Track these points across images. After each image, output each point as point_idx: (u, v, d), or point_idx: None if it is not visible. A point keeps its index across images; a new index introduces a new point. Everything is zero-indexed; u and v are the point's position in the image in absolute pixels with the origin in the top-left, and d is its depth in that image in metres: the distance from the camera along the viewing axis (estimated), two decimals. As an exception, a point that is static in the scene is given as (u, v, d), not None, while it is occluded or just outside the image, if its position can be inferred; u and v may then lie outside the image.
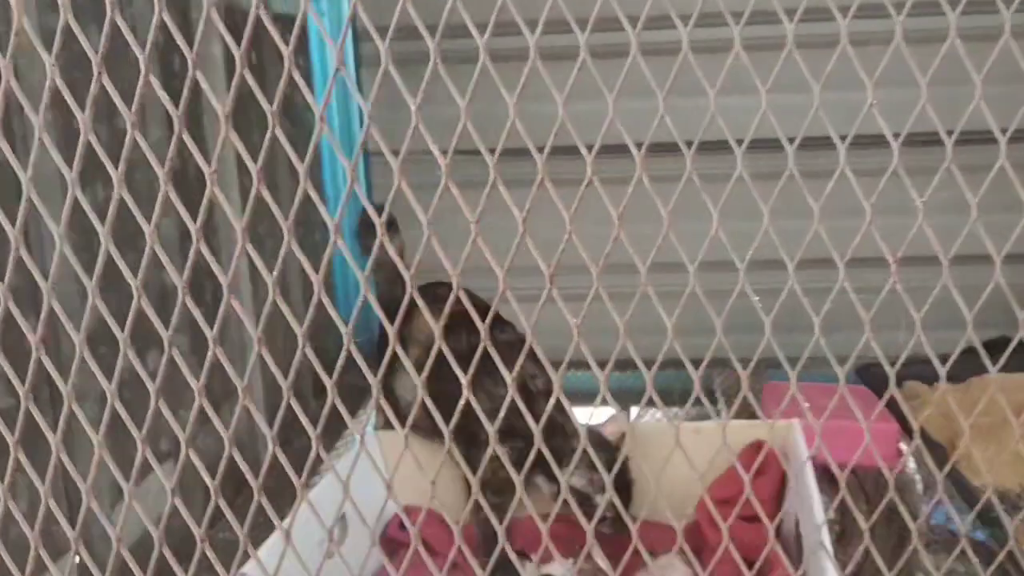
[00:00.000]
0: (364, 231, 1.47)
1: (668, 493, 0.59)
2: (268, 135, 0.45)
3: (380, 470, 0.51)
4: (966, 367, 0.60)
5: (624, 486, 1.23)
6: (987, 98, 0.54)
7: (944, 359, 0.60)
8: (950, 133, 0.54)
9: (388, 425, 1.38)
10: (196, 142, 0.46)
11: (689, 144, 0.51)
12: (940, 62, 0.52)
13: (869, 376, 1.66)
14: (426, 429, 0.51)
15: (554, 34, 0.51)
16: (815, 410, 1.15)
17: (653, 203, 0.52)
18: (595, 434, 1.23)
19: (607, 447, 1.23)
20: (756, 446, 1.31)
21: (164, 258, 0.46)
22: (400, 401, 1.32)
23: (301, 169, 0.46)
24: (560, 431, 1.15)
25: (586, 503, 1.20)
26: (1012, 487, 1.34)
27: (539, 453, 0.51)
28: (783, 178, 0.53)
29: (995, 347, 0.61)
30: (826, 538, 0.89)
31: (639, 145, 0.49)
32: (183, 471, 0.49)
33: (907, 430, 1.45)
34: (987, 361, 0.60)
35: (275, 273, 0.47)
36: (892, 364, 0.60)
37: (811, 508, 1.07)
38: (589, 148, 0.48)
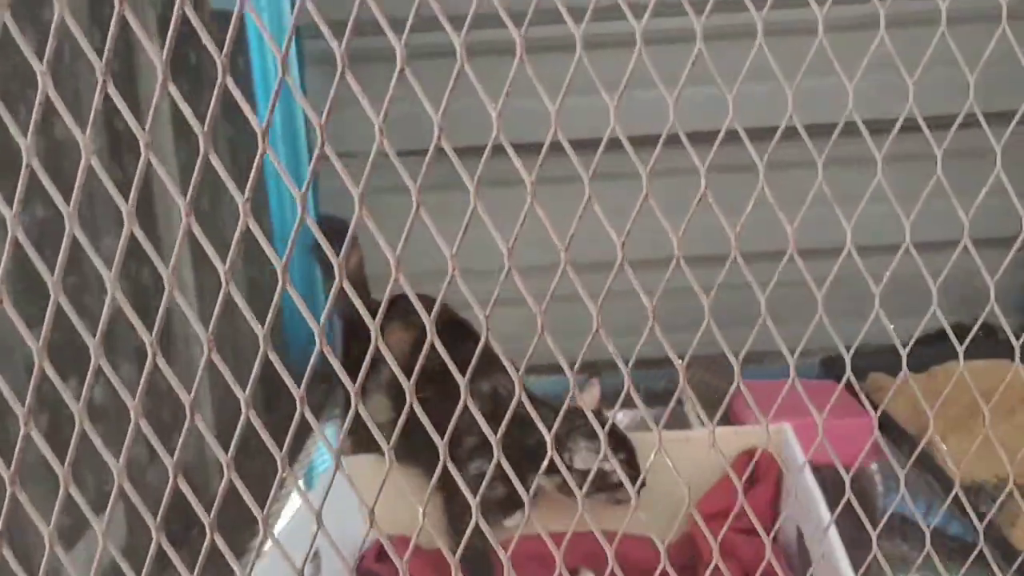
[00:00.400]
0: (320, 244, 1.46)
1: (658, 507, 0.58)
2: (200, 159, 0.43)
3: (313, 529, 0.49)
4: (928, 355, 0.61)
5: (623, 441, 1.23)
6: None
7: (904, 348, 0.61)
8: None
9: (355, 449, 1.36)
10: (136, 153, 0.44)
11: (656, 139, 0.51)
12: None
13: (836, 369, 1.68)
14: (398, 453, 0.50)
15: (495, 28, 0.50)
16: (785, 407, 1.15)
17: (612, 200, 0.52)
18: (576, 408, 1.22)
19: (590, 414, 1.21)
20: (750, 453, 1.30)
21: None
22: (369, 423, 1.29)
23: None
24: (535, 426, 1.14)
25: (598, 479, 1.18)
26: (988, 478, 1.34)
27: (530, 455, 0.49)
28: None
29: (954, 334, 0.63)
30: (839, 547, 0.89)
31: (598, 141, 0.49)
32: (133, 506, 0.47)
33: (880, 424, 1.48)
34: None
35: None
36: (856, 355, 0.61)
37: (815, 515, 1.07)
38: (540, 147, 0.47)
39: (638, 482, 0.53)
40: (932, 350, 0.63)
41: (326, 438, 0.50)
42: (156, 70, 0.42)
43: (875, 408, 1.67)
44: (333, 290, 0.46)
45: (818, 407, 0.65)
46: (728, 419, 1.67)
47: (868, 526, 0.61)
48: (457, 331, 0.46)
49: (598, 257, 0.55)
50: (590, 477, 0.62)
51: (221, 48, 0.43)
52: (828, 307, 0.57)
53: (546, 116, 0.45)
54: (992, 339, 0.64)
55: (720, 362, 0.55)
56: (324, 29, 0.43)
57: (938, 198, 0.59)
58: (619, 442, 1.23)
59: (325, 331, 0.46)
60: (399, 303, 0.46)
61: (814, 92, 0.55)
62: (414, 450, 0.50)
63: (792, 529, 1.21)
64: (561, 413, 0.58)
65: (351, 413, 0.48)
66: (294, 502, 1.47)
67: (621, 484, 1.18)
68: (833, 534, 0.97)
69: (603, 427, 0.49)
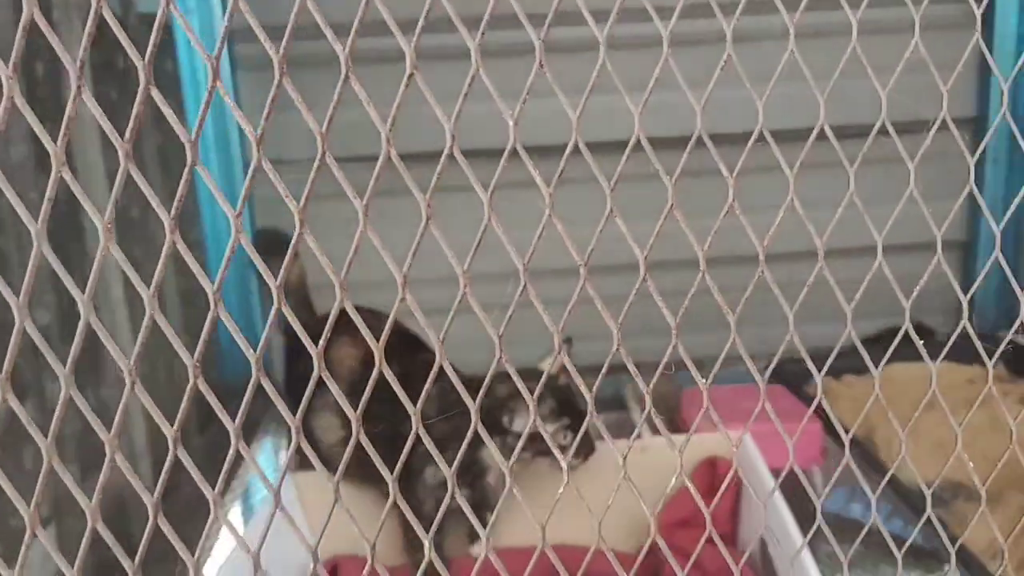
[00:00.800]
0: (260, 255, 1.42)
1: (619, 518, 0.57)
2: (121, 172, 0.42)
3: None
4: (872, 358, 0.63)
5: (568, 406, 1.21)
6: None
7: (844, 352, 0.62)
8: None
9: (303, 466, 1.33)
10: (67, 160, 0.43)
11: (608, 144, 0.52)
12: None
13: (782, 373, 1.72)
14: (351, 471, 0.49)
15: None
16: (738, 414, 1.16)
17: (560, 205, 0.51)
18: (532, 370, 1.20)
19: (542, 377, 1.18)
20: (710, 462, 1.33)
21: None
22: (320, 444, 1.28)
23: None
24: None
25: (539, 443, 1.15)
26: (935, 479, 1.37)
27: (475, 436, 0.49)
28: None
29: (889, 337, 0.64)
30: (809, 559, 0.90)
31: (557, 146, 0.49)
32: (65, 533, 0.45)
33: (826, 427, 1.51)
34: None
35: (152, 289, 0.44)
36: (801, 359, 0.62)
37: (782, 525, 1.08)
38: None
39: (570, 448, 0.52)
40: (873, 352, 0.65)
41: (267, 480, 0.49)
42: (87, 77, 0.41)
43: (820, 411, 1.70)
44: (271, 313, 0.45)
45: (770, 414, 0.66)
46: (677, 426, 1.69)
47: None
48: (408, 343, 0.46)
49: (553, 263, 0.55)
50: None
51: (150, 53, 0.42)
52: (775, 312, 0.58)
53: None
54: (929, 341, 0.66)
55: (667, 368, 0.55)
56: (260, 34, 0.42)
57: (880, 204, 0.61)
58: (564, 407, 1.21)
59: (263, 350, 0.45)
60: (347, 317, 0.46)
61: (775, 97, 0.56)
62: (367, 467, 0.49)
63: (756, 537, 1.22)
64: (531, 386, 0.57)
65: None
66: (234, 524, 1.44)
67: (562, 449, 1.18)
68: (797, 538, 0.99)
69: (560, 393, 0.49)
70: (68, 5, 1.27)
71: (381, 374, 0.45)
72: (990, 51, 0.56)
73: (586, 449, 1.21)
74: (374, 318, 0.46)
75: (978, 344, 0.60)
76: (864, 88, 0.56)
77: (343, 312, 0.43)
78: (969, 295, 0.59)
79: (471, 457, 1.13)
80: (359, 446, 0.47)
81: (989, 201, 2.01)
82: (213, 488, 0.44)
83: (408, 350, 0.48)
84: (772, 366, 0.56)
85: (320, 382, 0.45)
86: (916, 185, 0.57)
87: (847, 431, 0.65)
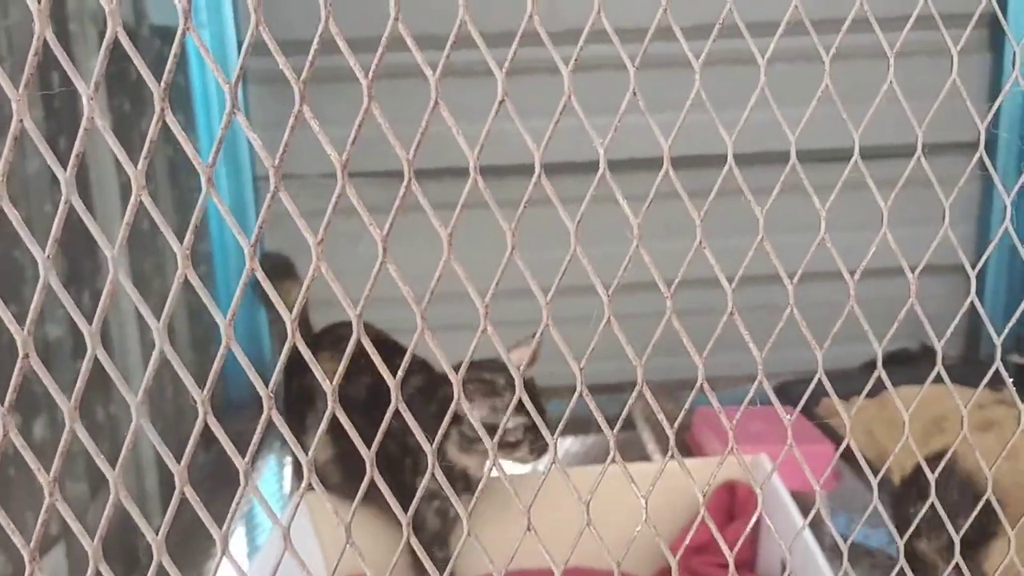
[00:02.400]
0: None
1: (635, 541, 0.57)
2: (132, 200, 0.43)
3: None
4: (879, 381, 0.63)
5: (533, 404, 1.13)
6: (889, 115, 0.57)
7: (851, 373, 0.62)
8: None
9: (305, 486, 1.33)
10: (79, 173, 0.43)
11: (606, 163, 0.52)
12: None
13: (791, 395, 1.71)
14: (341, 489, 0.49)
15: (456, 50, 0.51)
16: (749, 436, 1.16)
17: (557, 224, 0.52)
18: (496, 362, 1.17)
19: (506, 371, 1.14)
20: (729, 486, 1.31)
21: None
22: (314, 462, 1.26)
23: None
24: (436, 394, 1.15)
25: (491, 434, 1.10)
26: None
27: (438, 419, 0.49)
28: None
29: (897, 359, 0.64)
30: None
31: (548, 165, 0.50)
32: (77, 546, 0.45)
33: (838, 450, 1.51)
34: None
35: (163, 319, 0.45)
36: (807, 380, 0.62)
37: (800, 548, 1.07)
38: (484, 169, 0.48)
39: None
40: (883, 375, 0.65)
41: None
42: (93, 89, 0.42)
43: (830, 432, 1.70)
44: (284, 351, 0.45)
45: (779, 434, 0.66)
46: (687, 446, 1.69)
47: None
48: (385, 351, 0.46)
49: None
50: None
51: (161, 65, 0.42)
52: (782, 333, 0.58)
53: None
54: (935, 364, 0.66)
55: (672, 387, 0.56)
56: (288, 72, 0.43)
57: (890, 226, 0.61)
58: (520, 404, 1.15)
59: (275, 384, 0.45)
60: (336, 331, 0.47)
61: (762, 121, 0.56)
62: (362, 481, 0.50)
63: (776, 563, 1.21)
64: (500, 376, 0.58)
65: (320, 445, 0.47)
66: (238, 537, 1.45)
67: (518, 444, 1.20)
68: (824, 565, 0.99)
69: (519, 386, 0.50)
70: (83, 16, 1.29)
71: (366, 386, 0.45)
72: (999, 76, 0.56)
73: (540, 447, 1.19)
74: (350, 330, 0.46)
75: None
76: (868, 112, 0.57)
77: (331, 325, 0.44)
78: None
79: (444, 460, 1.10)
80: (352, 467, 0.47)
81: (996, 224, 2.01)
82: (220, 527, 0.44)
83: (387, 357, 0.48)
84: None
85: (308, 399, 0.45)
86: (924, 209, 0.58)
87: (862, 455, 0.65)
